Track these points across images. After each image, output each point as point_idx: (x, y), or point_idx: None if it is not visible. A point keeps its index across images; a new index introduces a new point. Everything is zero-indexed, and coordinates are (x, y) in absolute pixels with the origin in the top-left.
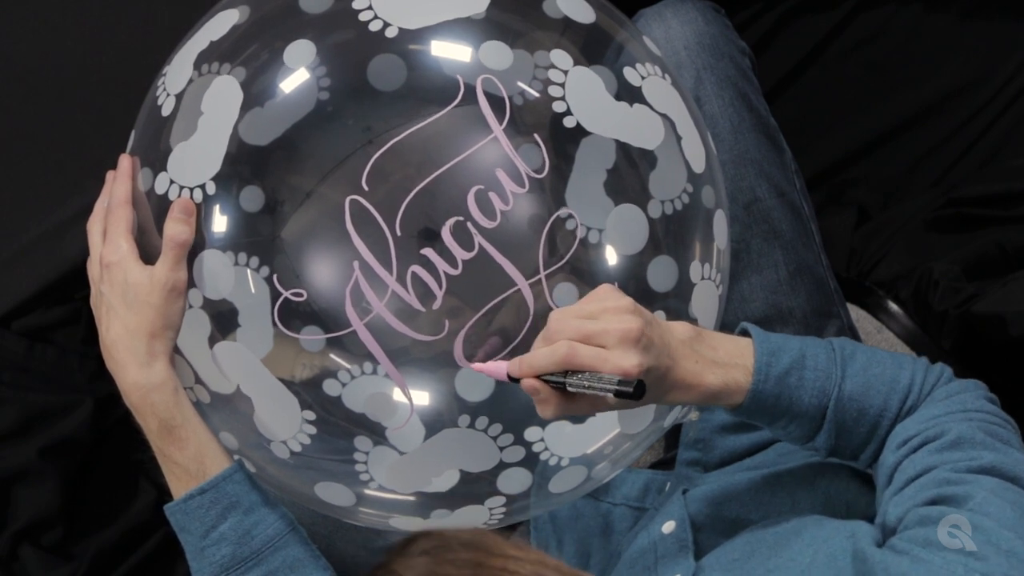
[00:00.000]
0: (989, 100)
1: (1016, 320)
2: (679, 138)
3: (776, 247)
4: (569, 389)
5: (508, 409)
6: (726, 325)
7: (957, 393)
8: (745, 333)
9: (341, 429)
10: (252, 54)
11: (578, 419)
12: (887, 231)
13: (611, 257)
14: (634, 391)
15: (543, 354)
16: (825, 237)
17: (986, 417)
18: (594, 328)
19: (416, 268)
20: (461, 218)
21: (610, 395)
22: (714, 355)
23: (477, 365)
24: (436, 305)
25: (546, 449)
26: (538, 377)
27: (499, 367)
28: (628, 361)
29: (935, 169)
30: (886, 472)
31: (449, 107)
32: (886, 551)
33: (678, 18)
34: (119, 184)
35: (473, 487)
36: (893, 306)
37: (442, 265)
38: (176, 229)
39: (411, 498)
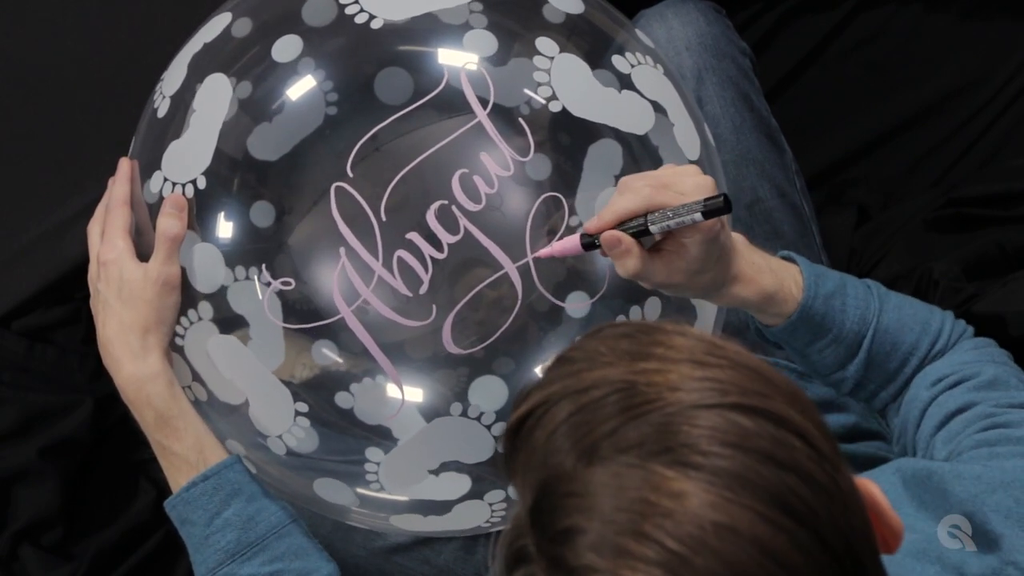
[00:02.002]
0: (989, 100)
1: (1016, 320)
2: (671, 125)
3: (777, 247)
4: (651, 229)
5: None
6: (728, 324)
7: (984, 346)
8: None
9: (339, 427)
10: (242, 53)
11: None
12: (887, 231)
13: None
14: (724, 203)
15: (625, 199)
16: (825, 237)
17: (1015, 369)
18: (670, 177)
19: (402, 253)
20: (446, 202)
21: (696, 218)
22: (767, 263)
23: (545, 251)
24: (423, 289)
25: None
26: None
27: (570, 239)
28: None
29: (935, 169)
30: (919, 407)
31: (433, 93)
32: (953, 462)
33: (679, 18)
34: (117, 186)
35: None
36: None
37: (428, 249)
38: (167, 223)
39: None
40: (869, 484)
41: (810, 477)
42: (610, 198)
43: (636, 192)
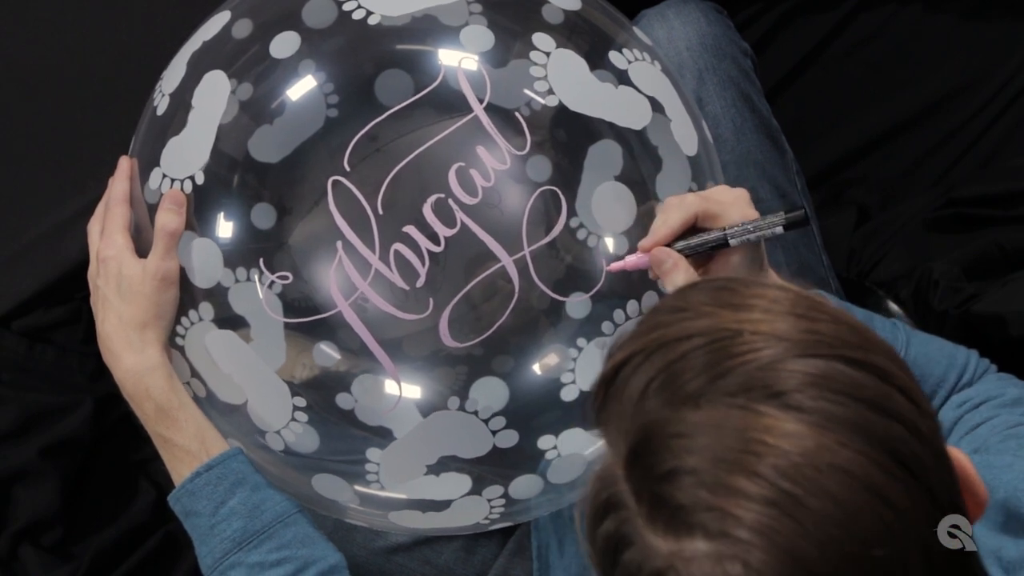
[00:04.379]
0: (989, 100)
1: (1016, 320)
2: (668, 121)
3: (778, 248)
4: (731, 242)
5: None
6: None
7: (1007, 377)
8: None
9: (339, 424)
10: (241, 51)
11: None
12: (887, 231)
13: (609, 244)
14: (805, 217)
15: (673, 213)
16: (825, 237)
17: None
18: (707, 192)
19: (398, 246)
20: (442, 195)
21: (778, 231)
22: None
23: (617, 265)
24: (420, 283)
25: (554, 448)
26: (686, 254)
27: (637, 257)
28: (753, 212)
29: (935, 169)
30: (946, 427)
31: (430, 87)
32: (982, 454)
33: (680, 18)
34: (117, 184)
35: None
36: (893, 306)
37: (424, 242)
38: (166, 219)
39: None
40: (956, 451)
41: (917, 430)
42: (607, 202)
43: (683, 203)
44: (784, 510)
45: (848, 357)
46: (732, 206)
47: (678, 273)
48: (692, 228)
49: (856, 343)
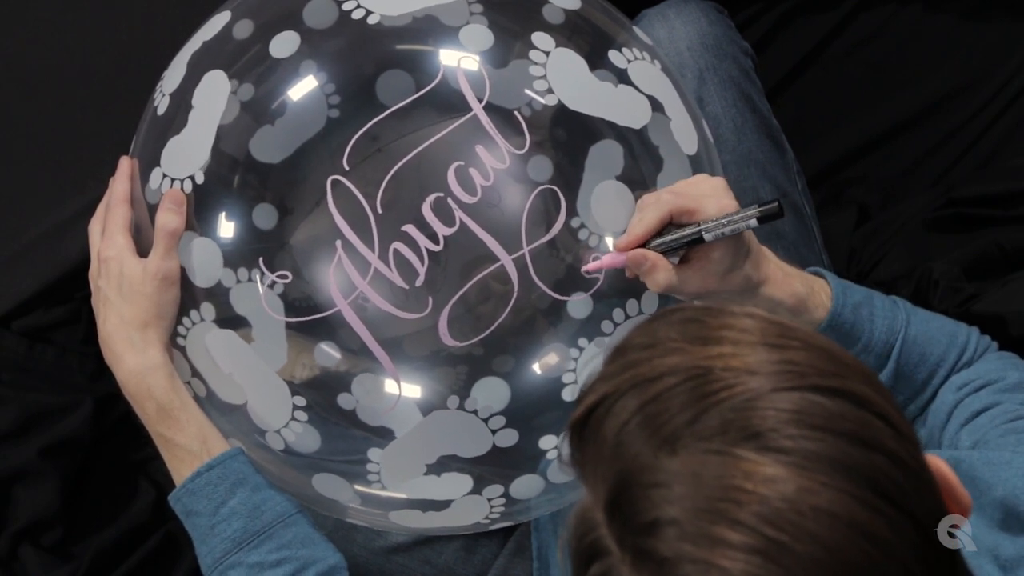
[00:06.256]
0: (989, 100)
1: (1016, 320)
2: (668, 120)
3: (778, 248)
4: (706, 237)
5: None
6: None
7: (1008, 356)
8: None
9: (339, 424)
10: (242, 51)
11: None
12: (887, 231)
13: (609, 243)
14: (779, 209)
15: (649, 212)
16: (825, 237)
17: None
18: (684, 186)
19: (398, 245)
20: (441, 194)
21: (751, 224)
22: (796, 271)
23: (594, 264)
24: (419, 282)
25: (554, 448)
26: (663, 251)
27: (613, 256)
28: (730, 202)
29: (935, 169)
30: (945, 410)
31: (428, 87)
32: (980, 450)
33: (681, 18)
34: (118, 184)
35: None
36: None
37: (424, 241)
38: (166, 219)
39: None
40: (936, 460)
41: (897, 457)
42: (607, 201)
43: (658, 201)
44: (769, 558)
45: (823, 387)
46: (709, 198)
47: (658, 272)
48: (670, 224)
49: (831, 370)
